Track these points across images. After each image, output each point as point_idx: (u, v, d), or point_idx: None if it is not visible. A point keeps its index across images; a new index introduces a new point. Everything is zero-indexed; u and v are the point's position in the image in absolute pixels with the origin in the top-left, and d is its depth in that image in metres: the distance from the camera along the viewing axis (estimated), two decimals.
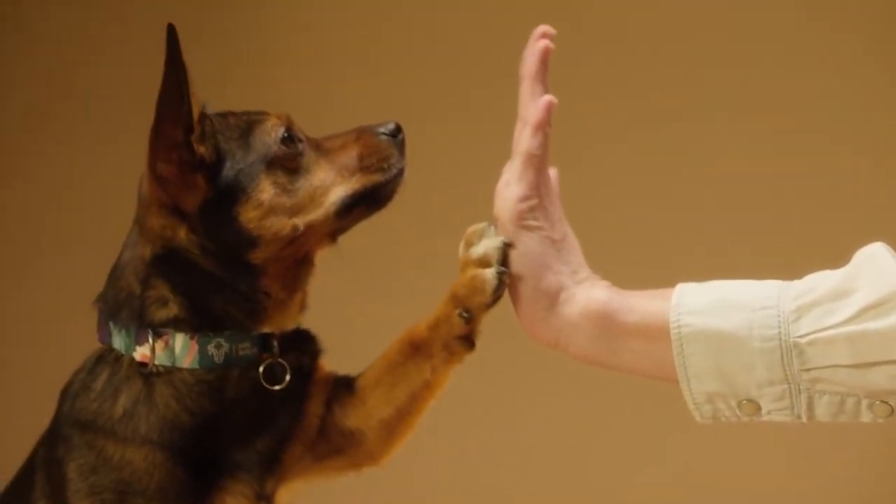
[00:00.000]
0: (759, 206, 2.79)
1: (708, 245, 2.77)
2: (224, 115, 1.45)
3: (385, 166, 1.44)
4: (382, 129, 1.47)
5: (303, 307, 1.47)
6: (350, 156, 1.44)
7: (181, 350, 1.37)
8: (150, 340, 1.37)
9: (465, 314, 1.35)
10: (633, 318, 1.17)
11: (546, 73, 1.27)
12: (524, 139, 1.25)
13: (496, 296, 1.31)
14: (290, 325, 1.45)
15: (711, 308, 1.13)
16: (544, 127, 1.24)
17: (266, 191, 1.39)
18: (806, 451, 2.69)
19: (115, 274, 1.44)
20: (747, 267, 2.58)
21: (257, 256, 1.39)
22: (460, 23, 2.97)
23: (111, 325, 1.40)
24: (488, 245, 1.31)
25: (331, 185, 1.42)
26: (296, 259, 1.42)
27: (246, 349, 1.40)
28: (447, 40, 2.97)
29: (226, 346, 1.39)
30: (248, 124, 1.43)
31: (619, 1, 2.90)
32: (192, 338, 1.37)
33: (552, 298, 1.21)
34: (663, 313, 1.14)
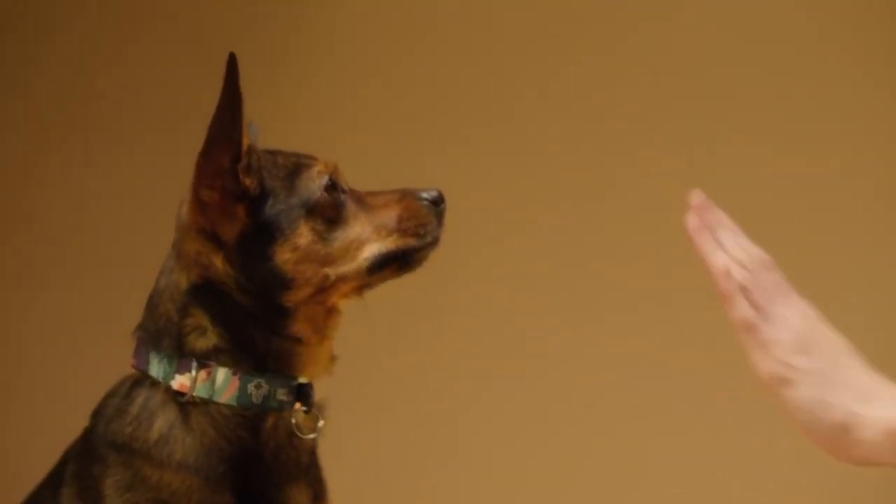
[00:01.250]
0: (762, 207, 2.78)
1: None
2: (273, 153, 1.46)
3: (422, 232, 1.46)
4: (426, 195, 1.48)
5: (332, 358, 1.47)
6: (390, 215, 1.46)
7: (221, 384, 1.38)
8: (193, 371, 1.38)
9: None
10: None
11: (707, 235, 1.28)
12: (731, 312, 1.26)
13: None
14: (321, 376, 1.46)
15: None
16: (734, 294, 1.25)
17: (304, 236, 1.40)
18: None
19: (152, 301, 1.44)
20: None
21: (290, 299, 1.40)
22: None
23: (152, 353, 1.41)
24: None
25: (366, 240, 1.43)
26: (325, 306, 1.43)
27: (283, 395, 1.41)
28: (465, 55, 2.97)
29: (265, 388, 1.39)
30: (295, 166, 1.44)
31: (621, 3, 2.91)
32: (234, 373, 1.38)
33: (841, 431, 1.21)
34: None
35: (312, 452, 1.48)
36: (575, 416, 2.76)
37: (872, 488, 2.60)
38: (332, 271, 1.40)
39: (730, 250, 1.27)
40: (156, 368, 1.40)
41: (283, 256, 1.39)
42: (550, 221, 2.78)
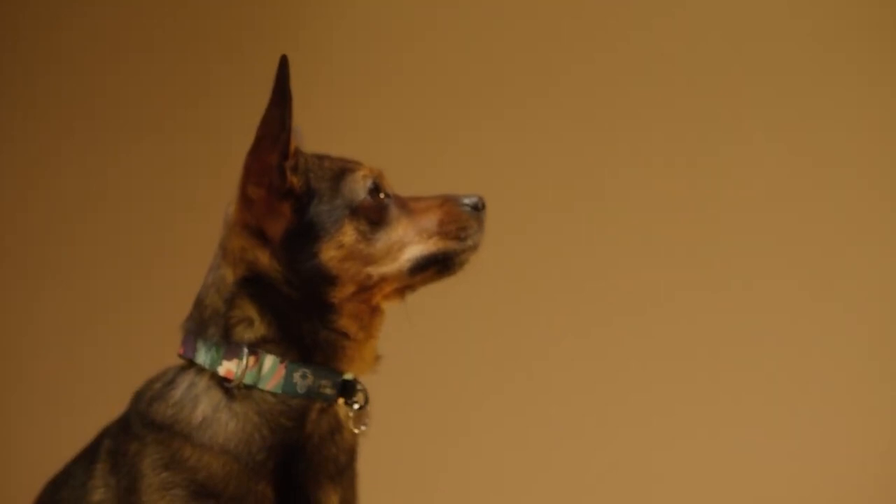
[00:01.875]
0: (764, 209, 2.78)
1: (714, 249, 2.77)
2: (320, 157, 1.51)
3: (462, 236, 1.49)
4: (467, 201, 1.52)
5: (377, 357, 1.51)
6: (431, 219, 1.49)
7: (268, 371, 1.42)
8: (243, 358, 1.41)
9: None
10: None
11: None
12: None
13: None
14: (366, 373, 1.49)
15: None
16: None
17: (348, 234, 1.44)
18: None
19: (199, 296, 1.48)
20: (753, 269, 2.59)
21: (335, 296, 1.44)
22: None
23: (199, 341, 1.45)
24: None
25: (408, 242, 1.47)
26: (369, 305, 1.47)
27: (327, 387, 1.44)
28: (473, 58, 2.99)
29: (311, 379, 1.43)
30: (341, 170, 1.49)
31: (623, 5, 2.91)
32: (281, 362, 1.42)
33: None
34: None
35: (352, 453, 1.50)
36: (604, 416, 2.77)
37: (873, 488, 2.59)
38: (374, 271, 1.44)
39: None
40: (203, 356, 1.44)
41: (328, 254, 1.43)
42: (566, 223, 2.79)
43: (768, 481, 2.67)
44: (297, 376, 1.42)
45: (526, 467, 2.79)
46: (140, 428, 1.44)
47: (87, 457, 1.49)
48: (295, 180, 1.44)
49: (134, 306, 2.84)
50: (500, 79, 2.88)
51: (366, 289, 1.45)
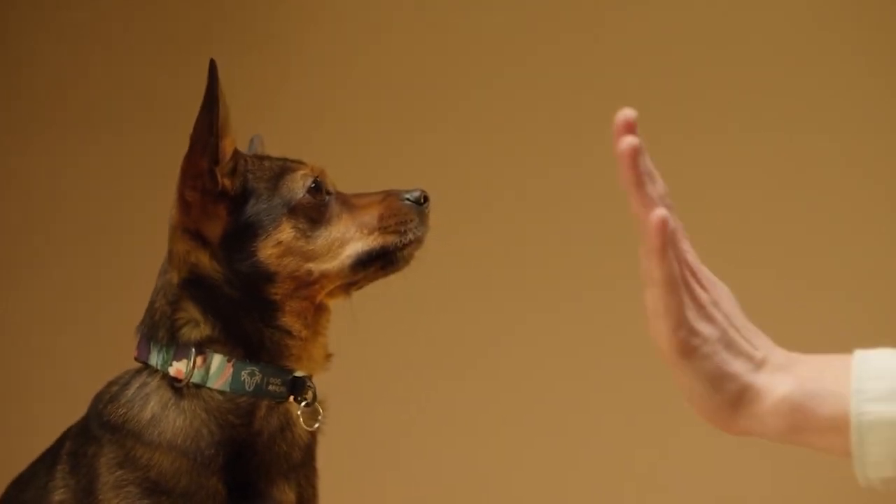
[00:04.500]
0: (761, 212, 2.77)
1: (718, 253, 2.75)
2: (261, 158, 1.54)
3: (402, 230, 1.50)
4: (408, 195, 1.53)
5: (327, 355, 1.53)
6: (372, 215, 1.51)
7: (216, 370, 1.45)
8: (190, 358, 1.44)
9: None
10: (822, 411, 1.13)
11: (643, 173, 1.12)
12: (654, 269, 1.13)
13: None
14: (317, 371, 1.51)
15: (893, 395, 1.11)
16: (665, 249, 1.12)
17: (285, 232, 1.46)
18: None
19: (151, 300, 1.52)
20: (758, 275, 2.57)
21: (275, 292, 1.46)
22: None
23: (151, 343, 1.48)
24: None
25: (349, 239, 1.49)
26: (312, 302, 1.48)
27: (276, 385, 1.46)
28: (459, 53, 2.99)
29: (258, 377, 1.45)
30: (281, 170, 1.51)
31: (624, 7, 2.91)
32: (228, 361, 1.45)
33: (735, 404, 1.17)
34: (843, 401, 1.12)
35: (307, 450, 1.52)
36: (570, 411, 2.76)
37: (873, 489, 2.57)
38: (315, 267, 1.46)
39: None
40: (155, 358, 1.47)
41: (266, 252, 1.45)
42: (539, 220, 2.78)
43: (765, 480, 2.67)
44: (244, 374, 1.45)
45: (487, 462, 2.79)
46: (97, 429, 1.48)
47: (50, 458, 1.53)
48: (227, 182, 1.46)
49: (105, 307, 2.87)
50: (472, 76, 2.89)
51: (306, 285, 1.46)
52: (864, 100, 2.68)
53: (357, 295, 1.54)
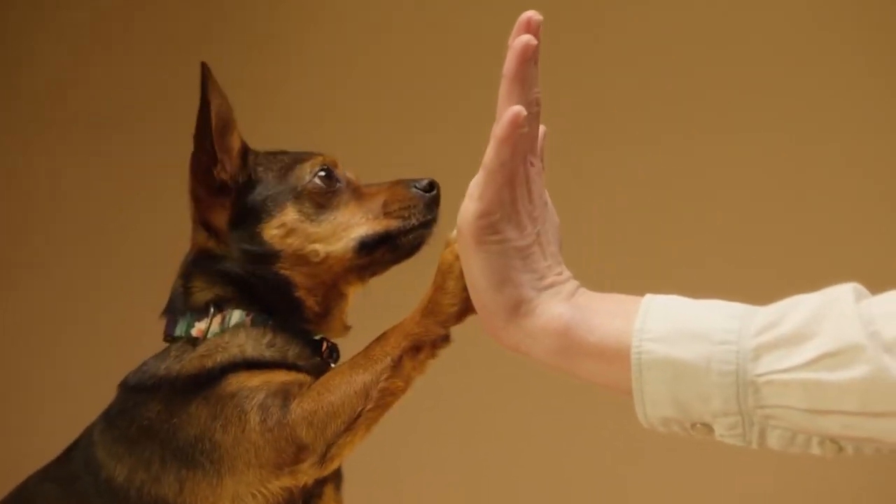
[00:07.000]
0: (755, 209, 2.77)
1: (706, 250, 2.76)
2: (275, 153, 1.59)
3: (406, 215, 1.52)
4: (416, 183, 1.55)
5: (345, 327, 1.56)
6: (377, 201, 1.54)
7: (237, 323, 1.48)
8: (210, 316, 1.48)
9: None
10: (592, 338, 1.15)
11: (527, 74, 1.17)
12: (487, 153, 1.18)
13: None
14: (333, 337, 1.55)
15: (673, 336, 1.11)
16: (509, 141, 1.16)
17: (289, 215, 1.50)
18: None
19: (173, 285, 1.57)
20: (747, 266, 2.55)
21: (283, 268, 1.50)
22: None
23: (176, 318, 1.52)
24: None
25: (354, 224, 1.52)
26: (324, 283, 1.51)
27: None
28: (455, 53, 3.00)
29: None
30: (293, 161, 1.56)
31: (624, 7, 2.92)
32: (247, 314, 1.48)
33: (512, 311, 1.19)
34: (624, 336, 1.13)
35: None
36: (571, 411, 2.75)
37: (873, 489, 2.58)
38: (321, 248, 1.49)
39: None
40: (180, 328, 1.50)
41: (271, 232, 1.49)
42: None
43: (762, 479, 2.67)
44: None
45: (486, 462, 2.80)
46: (123, 395, 1.50)
47: (77, 447, 1.54)
48: (226, 177, 1.51)
49: (105, 307, 2.87)
50: (472, 76, 2.89)
51: (314, 265, 1.50)
52: (865, 100, 2.68)
53: (362, 291, 1.57)
